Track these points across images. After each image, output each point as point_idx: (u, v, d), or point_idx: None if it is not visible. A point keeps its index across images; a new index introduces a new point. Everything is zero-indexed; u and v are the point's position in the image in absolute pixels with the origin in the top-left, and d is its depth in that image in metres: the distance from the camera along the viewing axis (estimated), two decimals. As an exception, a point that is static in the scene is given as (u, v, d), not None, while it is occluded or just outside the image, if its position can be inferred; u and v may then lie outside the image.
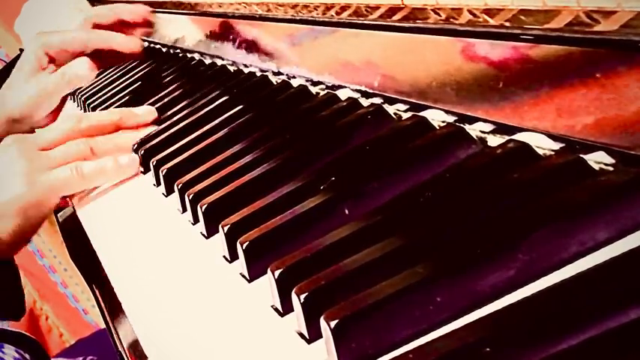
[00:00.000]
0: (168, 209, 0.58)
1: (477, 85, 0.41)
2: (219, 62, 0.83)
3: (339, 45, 0.57)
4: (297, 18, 0.62)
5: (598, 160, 0.33)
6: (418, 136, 0.44)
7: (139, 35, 0.94)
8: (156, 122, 0.75)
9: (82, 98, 1.05)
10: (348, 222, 0.38)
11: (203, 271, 0.46)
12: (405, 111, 0.48)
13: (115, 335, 0.48)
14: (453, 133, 0.42)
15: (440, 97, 0.44)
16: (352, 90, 0.55)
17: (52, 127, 0.71)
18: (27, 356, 0.73)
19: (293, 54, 0.65)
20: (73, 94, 1.15)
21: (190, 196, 0.52)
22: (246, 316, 0.39)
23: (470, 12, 0.39)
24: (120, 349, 0.46)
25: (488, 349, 0.26)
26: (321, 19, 0.58)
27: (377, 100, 0.52)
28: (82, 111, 1.04)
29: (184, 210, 0.55)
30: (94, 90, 1.06)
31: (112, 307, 0.50)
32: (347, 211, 0.41)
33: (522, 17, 0.36)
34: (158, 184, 0.63)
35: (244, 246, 0.41)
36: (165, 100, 0.81)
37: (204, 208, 0.49)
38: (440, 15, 0.42)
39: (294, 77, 0.65)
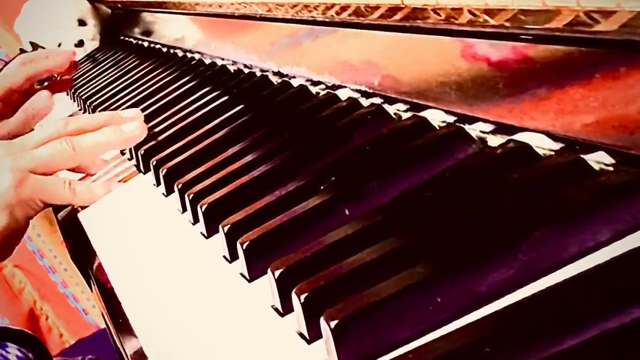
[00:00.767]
0: (168, 209, 0.58)
1: (477, 85, 0.41)
2: (219, 62, 0.83)
3: (339, 45, 0.57)
4: (298, 18, 0.62)
5: (598, 160, 0.33)
6: (418, 136, 0.44)
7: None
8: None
9: (83, 98, 1.05)
10: (348, 222, 0.38)
11: (203, 271, 0.46)
12: (405, 111, 0.48)
13: (115, 335, 0.48)
14: (453, 133, 0.42)
15: (440, 97, 0.44)
16: (352, 90, 0.55)
17: (38, 130, 0.71)
18: (30, 355, 0.72)
19: (293, 54, 0.65)
20: (73, 93, 1.15)
21: (190, 196, 0.52)
22: (246, 316, 0.39)
23: (470, 12, 0.39)
24: (120, 349, 0.46)
25: (488, 349, 0.26)
26: (321, 19, 0.58)
27: (377, 100, 0.52)
28: (82, 110, 1.04)
29: (184, 210, 0.55)
30: (95, 90, 1.06)
31: (112, 308, 0.50)
32: (347, 211, 0.41)
33: (522, 17, 0.36)
34: (158, 184, 0.63)
35: (244, 246, 0.41)
36: (166, 100, 0.81)
37: (204, 208, 0.49)
38: (440, 15, 0.42)
39: (294, 77, 0.65)
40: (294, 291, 0.34)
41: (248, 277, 0.42)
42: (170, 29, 1.02)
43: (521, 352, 0.26)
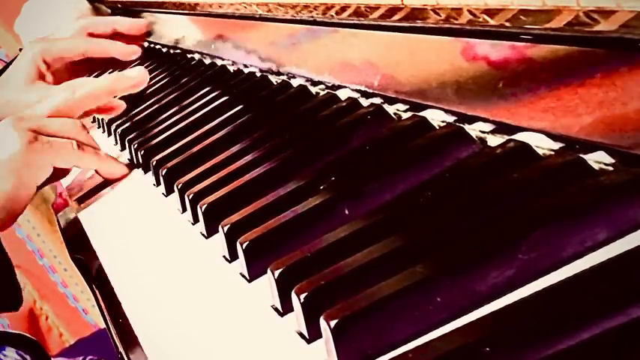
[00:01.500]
0: (168, 209, 0.58)
1: (476, 85, 0.41)
2: (219, 62, 0.83)
3: (339, 45, 0.57)
4: (297, 18, 0.62)
5: (598, 160, 0.33)
6: (418, 136, 0.44)
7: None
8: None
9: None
10: (348, 222, 0.38)
11: (203, 271, 0.46)
12: (405, 111, 0.48)
13: (115, 335, 0.48)
14: (453, 132, 0.42)
15: (440, 97, 0.44)
16: (352, 90, 0.55)
17: (45, 100, 0.71)
18: (28, 358, 0.72)
19: (293, 54, 0.65)
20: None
21: (190, 196, 0.52)
22: (246, 316, 0.39)
23: (470, 12, 0.39)
24: (120, 348, 0.46)
25: (487, 349, 0.26)
26: (321, 19, 0.58)
27: (377, 100, 0.52)
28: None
29: (184, 210, 0.55)
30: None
31: (112, 308, 0.50)
32: (347, 211, 0.41)
33: (522, 17, 0.36)
34: (158, 184, 0.63)
35: (244, 246, 0.41)
36: (166, 100, 0.81)
37: (204, 207, 0.49)
38: (440, 15, 0.42)
39: (294, 77, 0.65)
40: (293, 291, 0.34)
41: (248, 277, 0.42)
42: (170, 29, 1.02)
43: (520, 352, 0.26)
